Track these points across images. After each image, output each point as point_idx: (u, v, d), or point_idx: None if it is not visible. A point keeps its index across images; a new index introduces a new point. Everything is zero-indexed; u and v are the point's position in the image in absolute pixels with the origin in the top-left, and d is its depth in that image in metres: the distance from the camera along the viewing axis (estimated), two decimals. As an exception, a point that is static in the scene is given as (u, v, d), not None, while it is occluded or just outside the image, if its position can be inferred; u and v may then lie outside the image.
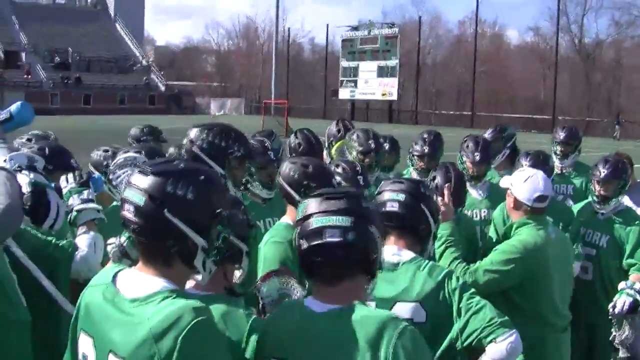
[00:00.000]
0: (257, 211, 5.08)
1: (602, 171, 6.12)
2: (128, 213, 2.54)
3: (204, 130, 4.40)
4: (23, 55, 77.13)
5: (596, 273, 6.14)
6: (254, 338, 2.93)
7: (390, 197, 3.74)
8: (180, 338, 2.36)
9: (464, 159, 6.56)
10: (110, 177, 5.01)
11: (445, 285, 3.54)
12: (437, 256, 4.92)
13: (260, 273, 4.28)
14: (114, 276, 2.65)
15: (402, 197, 3.72)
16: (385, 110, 70.50)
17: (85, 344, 2.63)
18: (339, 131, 6.94)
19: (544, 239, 4.98)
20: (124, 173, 4.91)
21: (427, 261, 3.65)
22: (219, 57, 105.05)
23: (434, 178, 5.59)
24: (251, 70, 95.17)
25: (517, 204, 5.09)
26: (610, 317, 5.43)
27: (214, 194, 2.61)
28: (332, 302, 2.76)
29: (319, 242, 2.76)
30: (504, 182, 5.31)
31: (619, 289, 5.50)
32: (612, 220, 6.16)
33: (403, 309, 3.49)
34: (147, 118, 60.89)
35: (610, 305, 5.41)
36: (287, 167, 4.52)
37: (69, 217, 4.19)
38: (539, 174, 5.13)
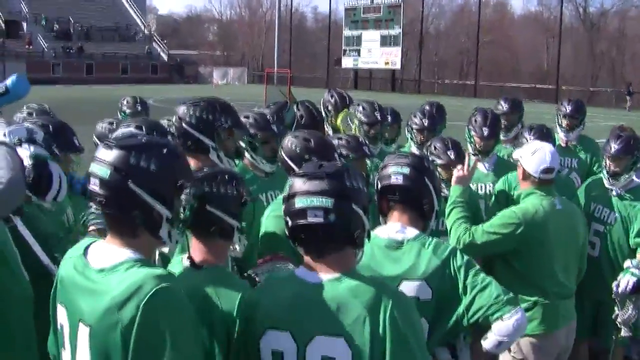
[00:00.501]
0: (259, 184, 5.12)
1: (614, 147, 6.05)
2: (94, 186, 2.63)
3: (191, 106, 4.52)
4: (24, 25, 76.73)
5: (603, 250, 6.10)
6: (244, 311, 2.97)
7: (395, 170, 3.76)
8: (141, 305, 2.44)
9: (472, 133, 6.49)
10: None
11: (451, 262, 3.54)
12: (445, 217, 5.09)
13: (261, 246, 4.32)
14: (86, 248, 2.74)
15: (406, 170, 3.73)
16: (388, 80, 70.27)
17: (61, 314, 2.74)
18: (335, 102, 6.88)
19: (545, 209, 5.05)
20: None
21: (431, 238, 3.65)
22: (221, 26, 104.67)
23: (430, 144, 5.60)
24: (254, 39, 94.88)
25: (525, 175, 5.17)
26: (613, 296, 5.42)
27: (176, 166, 2.70)
28: (323, 272, 2.82)
29: (303, 222, 2.80)
30: (516, 154, 5.37)
31: (624, 267, 5.49)
32: (622, 197, 6.11)
33: (409, 287, 3.50)
34: (149, 88, 60.96)
35: (614, 283, 5.40)
36: (289, 141, 4.56)
37: (82, 217, 4.36)
38: (547, 147, 5.20)
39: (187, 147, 4.46)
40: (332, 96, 6.94)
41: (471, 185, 6.31)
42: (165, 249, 2.81)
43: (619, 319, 5.46)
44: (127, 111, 7.67)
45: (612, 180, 6.09)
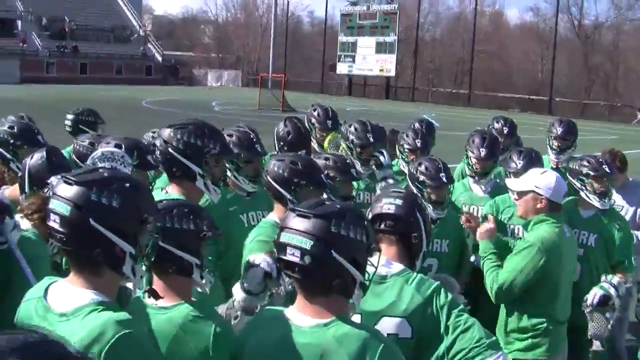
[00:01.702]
0: (240, 204, 5.06)
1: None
2: (54, 223, 2.56)
3: (178, 129, 4.33)
4: (19, 23, 76.46)
5: (585, 273, 6.06)
6: (233, 349, 2.90)
7: (388, 200, 3.73)
8: (103, 353, 2.37)
9: (469, 154, 6.43)
10: None
11: (434, 300, 3.45)
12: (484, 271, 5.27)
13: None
14: (46, 289, 2.65)
15: (399, 201, 3.70)
16: (382, 86, 70.14)
17: None
18: (319, 115, 6.86)
19: (560, 236, 5.17)
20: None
21: (415, 274, 3.57)
22: (217, 28, 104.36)
23: (420, 164, 5.55)
24: (249, 43, 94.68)
25: (550, 205, 5.20)
26: (583, 310, 5.50)
27: (139, 200, 2.64)
28: (313, 315, 2.76)
29: (283, 257, 2.77)
30: (517, 185, 5.39)
31: (600, 282, 5.58)
32: (598, 218, 6.10)
33: (389, 324, 3.43)
34: (143, 89, 60.88)
35: (585, 297, 5.49)
36: (274, 165, 4.46)
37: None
38: (554, 173, 5.37)
39: (171, 173, 4.37)
40: (315, 110, 6.90)
41: (464, 206, 6.29)
42: (130, 284, 2.72)
43: (589, 333, 5.52)
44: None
45: (600, 199, 6.01)
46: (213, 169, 4.36)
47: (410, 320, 3.43)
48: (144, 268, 2.79)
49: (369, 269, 2.88)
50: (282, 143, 6.20)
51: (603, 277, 5.61)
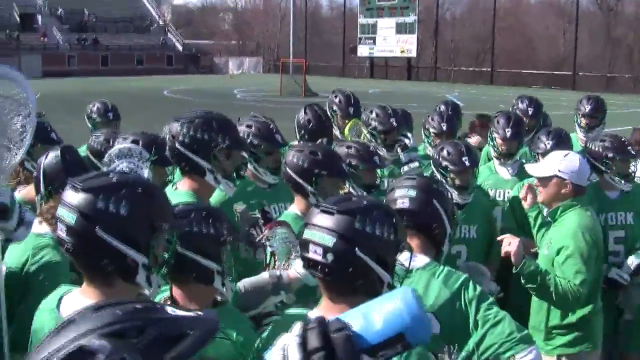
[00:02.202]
0: (261, 197, 4.96)
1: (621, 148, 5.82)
2: (61, 232, 2.46)
3: (185, 123, 4.17)
4: (39, 17, 76.82)
5: (626, 254, 5.85)
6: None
7: (401, 193, 3.57)
8: None
9: (494, 135, 6.29)
10: (104, 169, 4.84)
11: (462, 294, 3.33)
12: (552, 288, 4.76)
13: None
14: (60, 299, 2.56)
15: (413, 193, 3.54)
16: (404, 67, 69.84)
17: None
18: (340, 101, 6.71)
19: (593, 219, 5.03)
20: (118, 165, 4.76)
21: (442, 267, 3.45)
22: (236, 15, 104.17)
23: (442, 149, 5.41)
24: (269, 28, 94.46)
25: (576, 190, 4.99)
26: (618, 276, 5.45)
27: (151, 207, 2.50)
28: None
29: (306, 254, 2.66)
30: (538, 170, 5.17)
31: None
32: (629, 197, 5.90)
33: None
34: (164, 78, 60.97)
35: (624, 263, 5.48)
36: (294, 156, 4.36)
37: None
38: (579, 155, 5.15)
39: (181, 168, 4.25)
40: (336, 96, 6.77)
41: (490, 190, 6.16)
42: (147, 292, 2.59)
43: (620, 300, 5.51)
44: (98, 119, 7.28)
45: (626, 181, 5.85)
46: (223, 163, 4.20)
47: (438, 315, 3.31)
48: (161, 277, 2.66)
49: (399, 269, 2.77)
50: (302, 131, 6.09)
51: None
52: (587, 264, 4.77)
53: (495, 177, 6.29)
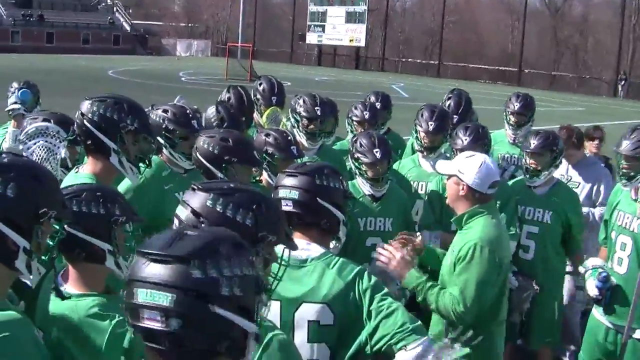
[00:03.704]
0: (176, 182, 4.88)
1: (533, 143, 5.96)
2: None
3: (95, 102, 4.12)
4: (-18, -10, 75.39)
5: (539, 251, 6.01)
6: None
7: (284, 194, 3.44)
8: None
9: (418, 128, 6.22)
10: (21, 147, 4.73)
11: (356, 285, 3.26)
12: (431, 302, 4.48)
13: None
14: None
15: (295, 194, 3.42)
16: (352, 57, 70.14)
17: None
18: (264, 89, 6.66)
19: (498, 228, 4.66)
20: (35, 144, 4.66)
21: (337, 258, 3.38)
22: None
23: (356, 140, 5.35)
24: (219, 12, 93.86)
25: (471, 193, 4.58)
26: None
27: (39, 192, 2.42)
28: None
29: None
30: (443, 168, 4.82)
31: (582, 272, 5.52)
32: (551, 195, 6.04)
33: (309, 311, 3.25)
34: (111, 58, 60.26)
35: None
36: (204, 142, 4.32)
37: None
38: (488, 159, 4.74)
39: (87, 146, 4.18)
40: (260, 84, 6.73)
41: (412, 183, 6.14)
42: (27, 281, 2.52)
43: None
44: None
45: (532, 178, 6.01)
46: (129, 146, 4.15)
47: (332, 306, 3.25)
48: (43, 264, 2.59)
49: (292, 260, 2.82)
50: (219, 107, 6.00)
51: (581, 269, 5.58)
52: (481, 283, 4.44)
53: (418, 169, 6.27)
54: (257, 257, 2.51)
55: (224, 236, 1.97)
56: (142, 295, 1.82)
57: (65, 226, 2.76)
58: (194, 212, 2.59)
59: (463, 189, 4.59)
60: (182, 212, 2.64)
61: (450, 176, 4.69)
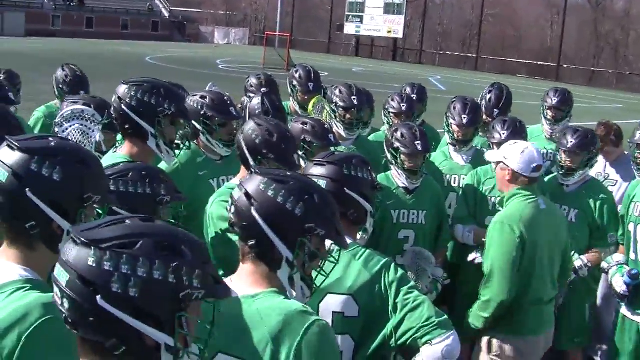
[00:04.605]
0: (211, 168, 4.92)
1: (570, 141, 5.89)
2: None
3: (133, 86, 4.18)
4: (25, -25, 76.04)
5: None
6: None
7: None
8: (24, 336, 2.22)
9: (450, 121, 6.23)
10: (57, 130, 4.79)
11: (382, 277, 3.29)
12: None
13: (211, 231, 4.14)
14: None
15: (322, 183, 3.41)
16: (390, 48, 69.82)
17: None
18: (300, 77, 6.70)
19: (531, 209, 4.89)
20: (70, 126, 4.71)
21: (364, 249, 3.41)
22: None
23: (396, 130, 5.37)
24: (257, 0, 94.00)
25: (514, 177, 4.96)
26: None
27: (85, 177, 2.47)
28: (248, 285, 2.64)
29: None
30: (495, 156, 5.17)
31: (604, 267, 5.59)
32: (580, 194, 5.97)
33: (334, 302, 3.28)
34: (149, 44, 60.59)
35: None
36: (250, 128, 4.27)
37: None
38: (531, 145, 5.07)
39: (124, 130, 4.23)
40: (297, 71, 6.74)
41: (445, 176, 6.14)
42: None
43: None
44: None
45: (566, 177, 5.95)
46: (166, 130, 4.21)
47: (357, 298, 3.29)
48: None
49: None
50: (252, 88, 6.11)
51: (604, 264, 5.66)
52: (503, 260, 4.78)
53: (450, 162, 6.26)
54: (301, 251, 2.61)
55: (154, 234, 1.88)
56: (56, 271, 1.85)
57: (113, 207, 2.86)
58: (246, 194, 2.67)
59: (508, 173, 4.95)
60: (236, 193, 2.72)
61: (497, 163, 5.11)
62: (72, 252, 1.83)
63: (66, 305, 1.81)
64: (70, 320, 1.82)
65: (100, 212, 2.63)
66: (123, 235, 1.83)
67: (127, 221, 1.92)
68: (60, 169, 2.40)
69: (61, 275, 1.82)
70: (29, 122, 6.61)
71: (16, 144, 2.42)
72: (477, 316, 4.91)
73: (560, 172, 5.99)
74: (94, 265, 1.79)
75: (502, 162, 4.99)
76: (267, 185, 2.63)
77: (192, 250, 1.90)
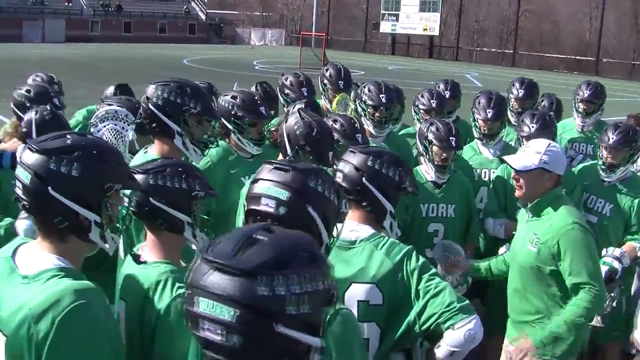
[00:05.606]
0: (242, 167, 5.02)
1: (611, 137, 5.85)
2: (18, 190, 2.58)
3: (160, 86, 4.33)
4: (64, -19, 76.96)
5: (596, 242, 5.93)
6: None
7: (340, 167, 3.63)
8: (57, 320, 2.35)
9: (476, 116, 6.28)
10: (92, 130, 4.95)
11: (404, 265, 3.36)
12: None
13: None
14: (16, 249, 2.66)
15: (346, 168, 3.58)
16: (426, 46, 69.56)
17: None
18: (331, 75, 6.68)
19: (577, 209, 4.89)
20: (104, 126, 4.86)
21: (386, 238, 3.49)
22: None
23: (432, 124, 5.46)
24: (293, 1, 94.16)
25: (558, 180, 4.76)
26: None
27: (104, 169, 2.61)
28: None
29: (256, 207, 2.78)
30: (518, 161, 4.76)
31: (601, 256, 5.32)
32: (617, 188, 5.93)
33: (358, 291, 3.36)
34: (186, 47, 60.98)
35: None
36: (295, 119, 4.38)
37: None
38: (554, 144, 4.94)
39: (152, 129, 4.36)
40: (327, 70, 6.80)
41: (475, 170, 6.17)
42: (106, 246, 2.73)
43: None
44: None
45: (608, 172, 5.90)
46: (193, 129, 4.34)
47: (381, 287, 3.36)
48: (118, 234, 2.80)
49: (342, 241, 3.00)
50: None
51: (603, 252, 5.44)
52: (595, 259, 4.62)
53: (479, 157, 6.28)
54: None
55: (296, 246, 1.84)
56: (204, 305, 1.74)
57: (150, 199, 3.09)
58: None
59: (550, 179, 4.70)
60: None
61: (526, 171, 4.70)
62: (228, 283, 1.74)
63: (235, 340, 1.74)
64: (238, 352, 1.74)
65: (127, 197, 2.84)
66: (274, 256, 1.78)
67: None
68: (78, 165, 2.55)
69: (219, 310, 1.73)
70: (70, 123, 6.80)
71: (35, 147, 2.56)
72: (553, 338, 4.55)
73: (602, 168, 5.93)
74: (267, 293, 1.72)
75: (542, 168, 4.67)
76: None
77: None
